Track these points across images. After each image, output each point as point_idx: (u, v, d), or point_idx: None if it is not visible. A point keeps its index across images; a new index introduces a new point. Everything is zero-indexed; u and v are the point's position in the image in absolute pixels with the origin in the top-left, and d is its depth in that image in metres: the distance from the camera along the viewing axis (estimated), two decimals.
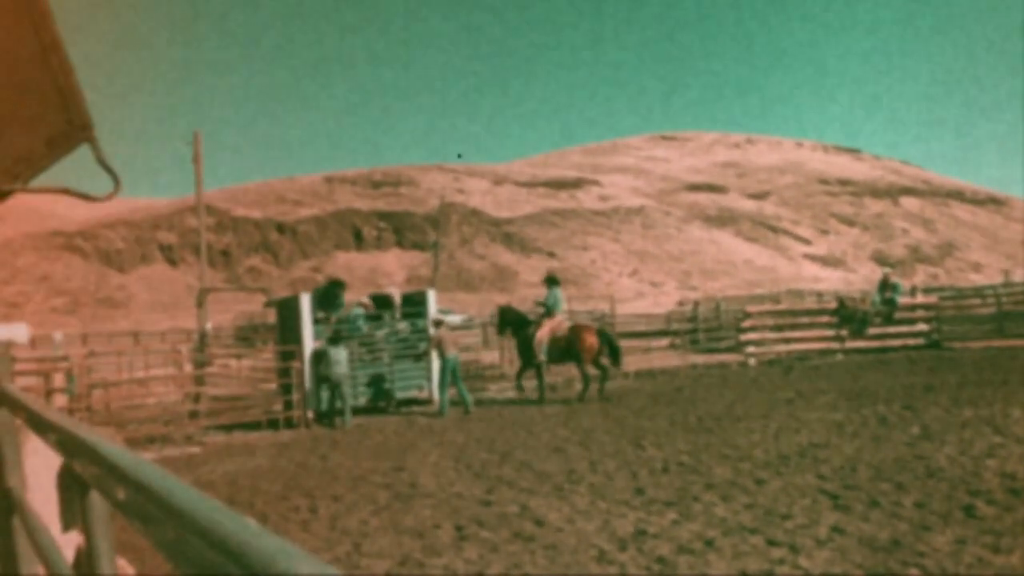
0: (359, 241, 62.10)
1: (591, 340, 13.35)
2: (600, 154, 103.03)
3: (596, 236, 65.08)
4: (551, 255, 60.77)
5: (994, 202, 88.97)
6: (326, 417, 12.94)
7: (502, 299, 51.00)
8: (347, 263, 58.94)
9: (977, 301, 22.53)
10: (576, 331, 13.58)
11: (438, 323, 13.74)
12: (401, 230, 62.96)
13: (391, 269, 58.54)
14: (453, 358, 13.08)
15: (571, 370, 15.07)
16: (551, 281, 14.51)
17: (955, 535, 4.78)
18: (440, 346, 13.11)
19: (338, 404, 12.69)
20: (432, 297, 15.17)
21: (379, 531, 5.94)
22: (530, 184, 75.64)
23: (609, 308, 28.00)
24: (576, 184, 77.00)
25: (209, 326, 24.24)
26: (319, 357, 13.01)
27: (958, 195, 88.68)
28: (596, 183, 78.46)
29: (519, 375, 14.22)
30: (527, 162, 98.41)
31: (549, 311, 13.98)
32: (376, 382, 14.01)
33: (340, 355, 12.75)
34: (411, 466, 8.47)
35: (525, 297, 52.69)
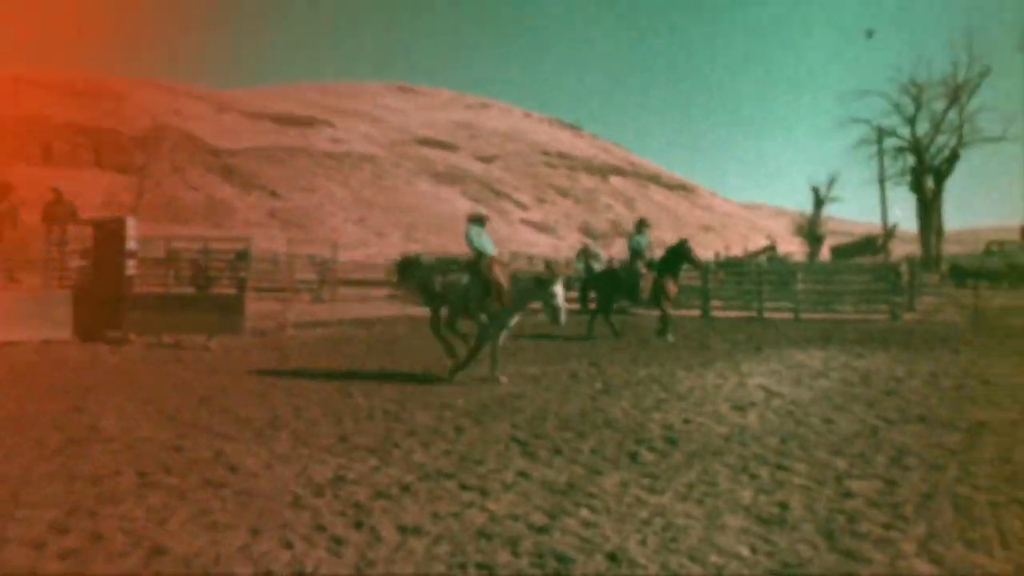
0: (48, 155, 54.29)
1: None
2: (336, 95, 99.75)
3: (325, 179, 63.25)
4: (274, 194, 58.03)
5: (684, 188, 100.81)
6: None
7: (216, 234, 47.71)
8: (29, 178, 51.34)
9: None
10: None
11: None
12: (101, 148, 56.11)
13: (84, 191, 52.03)
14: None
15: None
16: (642, 225, 15.10)
17: (621, 478, 5.38)
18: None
19: None
20: (132, 225, 13.76)
21: (46, 478, 5.30)
22: (258, 116, 71.25)
23: (331, 254, 27.39)
24: (308, 123, 73.96)
25: None
26: None
27: (656, 179, 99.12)
28: (329, 124, 76.02)
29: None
30: (256, 92, 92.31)
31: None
32: None
33: None
34: (91, 408, 7.66)
35: (242, 235, 49.80)
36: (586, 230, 71.78)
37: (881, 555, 4.00)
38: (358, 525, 4.47)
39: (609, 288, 14.85)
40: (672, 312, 14.67)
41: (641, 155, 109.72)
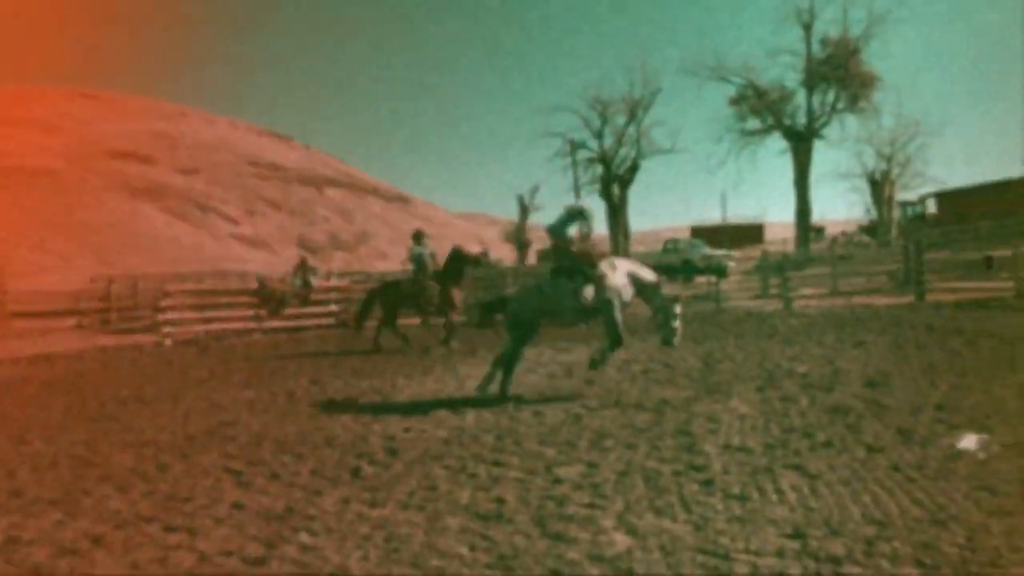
0: None
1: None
2: None
3: None
4: None
5: (401, 200, 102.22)
6: None
7: None
8: None
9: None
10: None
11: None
12: None
13: None
14: None
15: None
16: (420, 236, 15.40)
17: (341, 495, 5.26)
18: None
19: None
20: None
21: None
22: None
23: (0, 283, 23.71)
24: None
25: None
26: None
27: (374, 191, 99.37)
28: None
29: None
30: None
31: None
32: None
33: None
34: None
35: None
36: (303, 243, 69.89)
37: (585, 533, 4.32)
38: None
39: (394, 300, 14.92)
40: (456, 319, 14.88)
41: (357, 167, 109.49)
